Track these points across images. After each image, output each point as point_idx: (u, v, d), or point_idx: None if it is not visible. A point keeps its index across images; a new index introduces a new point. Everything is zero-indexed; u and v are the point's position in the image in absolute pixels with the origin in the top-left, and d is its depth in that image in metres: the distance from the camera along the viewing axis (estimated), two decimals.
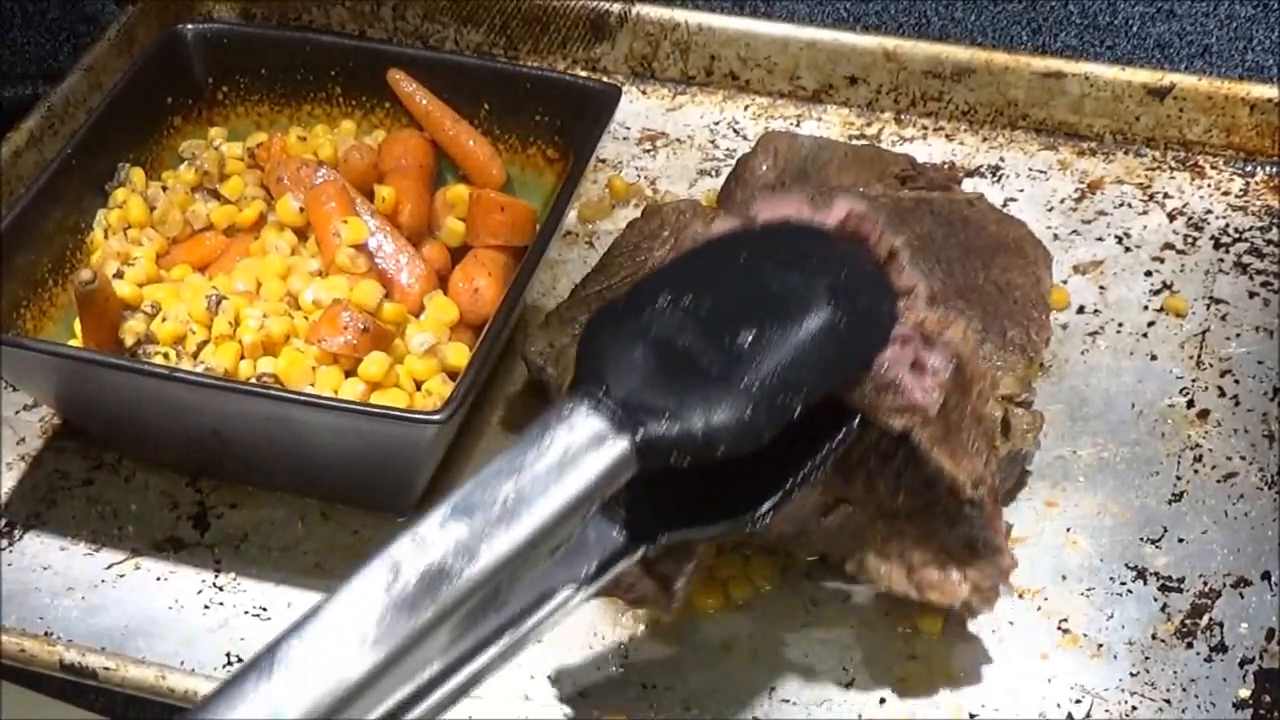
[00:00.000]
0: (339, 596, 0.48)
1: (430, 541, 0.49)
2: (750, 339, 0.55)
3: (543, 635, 0.55)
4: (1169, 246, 0.91)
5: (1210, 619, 0.73)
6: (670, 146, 0.99)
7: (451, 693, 0.52)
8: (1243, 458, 0.79)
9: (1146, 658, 0.71)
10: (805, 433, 0.57)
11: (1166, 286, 0.89)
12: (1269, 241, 0.91)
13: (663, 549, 0.58)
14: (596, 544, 0.56)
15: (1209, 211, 0.93)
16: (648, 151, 0.99)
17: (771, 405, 0.54)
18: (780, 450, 0.56)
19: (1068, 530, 0.76)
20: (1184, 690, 0.70)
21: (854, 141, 0.97)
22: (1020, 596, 0.74)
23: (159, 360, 0.76)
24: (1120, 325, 0.86)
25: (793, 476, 0.58)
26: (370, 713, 0.48)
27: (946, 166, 0.93)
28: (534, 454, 0.51)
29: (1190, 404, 0.82)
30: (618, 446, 0.52)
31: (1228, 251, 0.90)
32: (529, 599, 0.54)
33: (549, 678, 0.71)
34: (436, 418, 0.70)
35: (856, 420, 0.60)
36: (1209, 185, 0.95)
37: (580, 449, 0.51)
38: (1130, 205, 0.94)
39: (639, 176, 0.97)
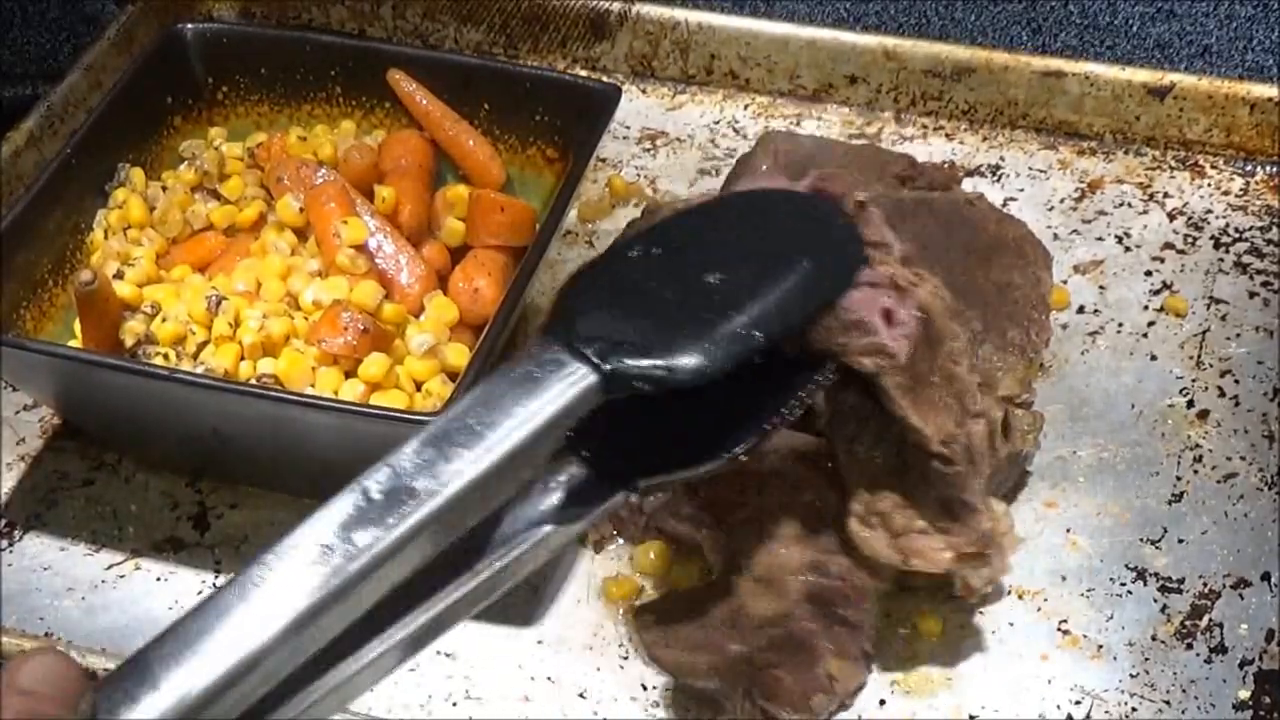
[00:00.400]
0: (315, 515, 0.49)
1: (401, 467, 0.51)
2: (715, 279, 0.59)
3: (521, 573, 0.56)
4: (1169, 246, 0.91)
5: (1210, 620, 0.73)
6: (670, 146, 0.99)
7: (430, 623, 0.52)
8: (1243, 458, 0.79)
9: (1146, 659, 0.71)
10: (783, 382, 0.62)
11: (1166, 286, 0.89)
12: (1269, 241, 0.91)
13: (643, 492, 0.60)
14: (575, 488, 0.58)
15: (1209, 211, 0.93)
16: (648, 151, 0.99)
17: (733, 336, 0.57)
18: (759, 399, 0.61)
19: (1068, 531, 0.76)
20: (1184, 691, 0.70)
21: (854, 141, 0.97)
22: (1020, 597, 0.74)
23: (159, 361, 0.76)
24: (1120, 325, 0.86)
25: (769, 419, 0.61)
26: (348, 618, 0.49)
27: (946, 166, 0.93)
28: (503, 385, 0.54)
29: (1190, 404, 0.82)
30: (582, 373, 0.54)
31: (1228, 251, 0.90)
32: (507, 533, 0.55)
33: (549, 678, 0.71)
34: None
35: (832, 367, 0.63)
36: (1209, 185, 0.95)
37: (547, 376, 0.54)
38: (1130, 205, 0.94)
39: (639, 176, 0.97)
